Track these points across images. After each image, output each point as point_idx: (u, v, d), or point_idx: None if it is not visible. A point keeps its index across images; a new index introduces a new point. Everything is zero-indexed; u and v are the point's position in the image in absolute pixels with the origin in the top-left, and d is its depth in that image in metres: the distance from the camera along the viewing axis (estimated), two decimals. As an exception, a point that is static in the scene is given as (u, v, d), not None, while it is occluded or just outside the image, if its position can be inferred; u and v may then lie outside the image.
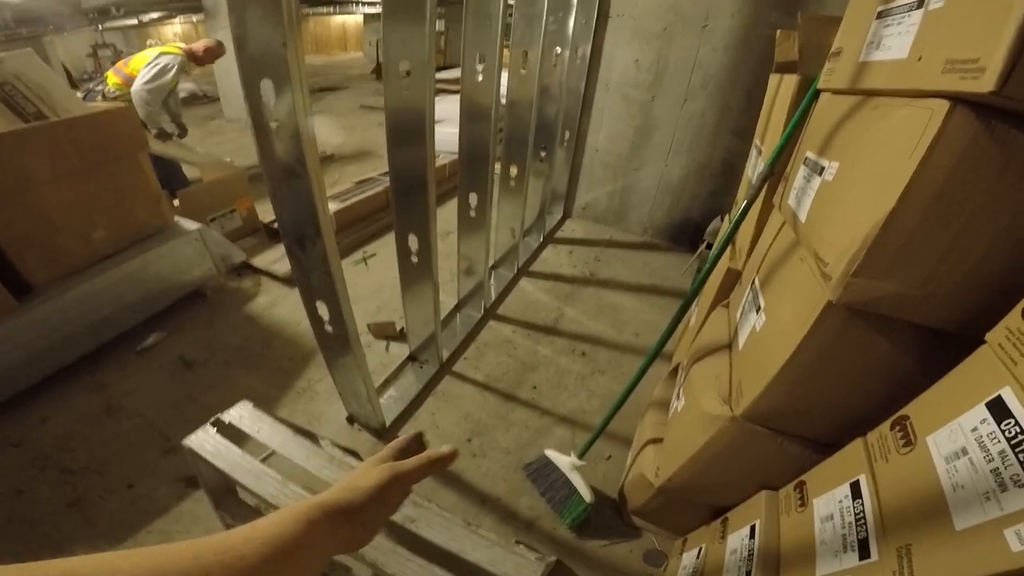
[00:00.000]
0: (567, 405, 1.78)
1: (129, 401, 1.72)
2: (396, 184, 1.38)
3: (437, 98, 1.25)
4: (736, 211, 1.19)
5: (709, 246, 2.23)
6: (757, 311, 0.98)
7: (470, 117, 1.64)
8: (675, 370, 1.53)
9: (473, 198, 1.86)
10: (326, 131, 4.81)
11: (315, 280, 1.11)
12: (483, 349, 2.03)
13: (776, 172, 1.14)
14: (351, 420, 1.63)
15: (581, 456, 1.39)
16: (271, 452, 0.95)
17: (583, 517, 1.33)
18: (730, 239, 1.19)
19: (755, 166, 1.44)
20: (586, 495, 1.33)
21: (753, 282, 1.10)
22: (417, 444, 0.52)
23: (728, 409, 0.95)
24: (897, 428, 0.66)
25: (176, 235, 2.07)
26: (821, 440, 0.86)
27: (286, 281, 2.38)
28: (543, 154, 2.59)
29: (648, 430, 1.39)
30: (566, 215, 3.20)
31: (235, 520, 1.21)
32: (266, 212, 2.76)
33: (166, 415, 1.67)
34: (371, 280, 2.50)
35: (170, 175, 2.84)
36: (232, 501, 1.07)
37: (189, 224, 2.15)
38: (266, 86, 0.82)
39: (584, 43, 2.56)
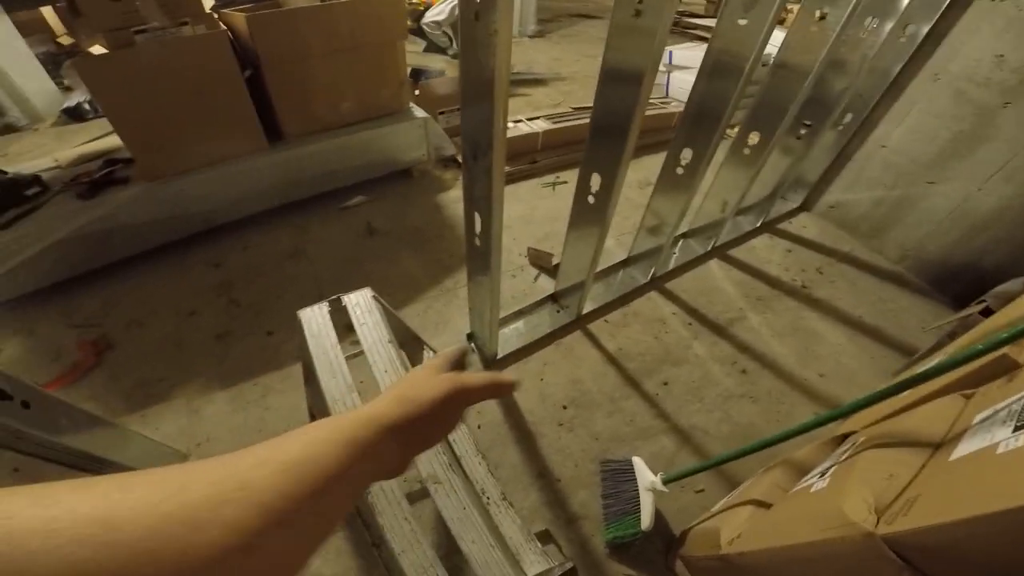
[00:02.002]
0: (691, 418, 1.50)
1: (314, 249, 2.04)
2: (596, 119, 1.24)
3: (688, 44, 1.04)
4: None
5: (987, 311, 1.52)
6: (1017, 430, 0.60)
7: (714, 69, 1.38)
8: (842, 438, 1.12)
9: (686, 154, 1.57)
10: (569, 56, 4.74)
11: (477, 191, 1.09)
12: (630, 319, 1.81)
13: None
14: (470, 338, 1.66)
15: (667, 482, 1.16)
16: (360, 352, 0.97)
17: (627, 541, 1.15)
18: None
19: None
20: (645, 522, 1.13)
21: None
22: (464, 358, 0.44)
23: (872, 522, 0.64)
24: None
25: (406, 119, 2.30)
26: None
27: None
28: (803, 131, 2.06)
29: (761, 489, 1.06)
30: (804, 207, 2.57)
31: (312, 402, 1.34)
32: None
33: (332, 273, 1.94)
34: (552, 206, 2.43)
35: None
36: (314, 384, 1.18)
37: (419, 112, 2.36)
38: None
39: (922, 21, 1.86)
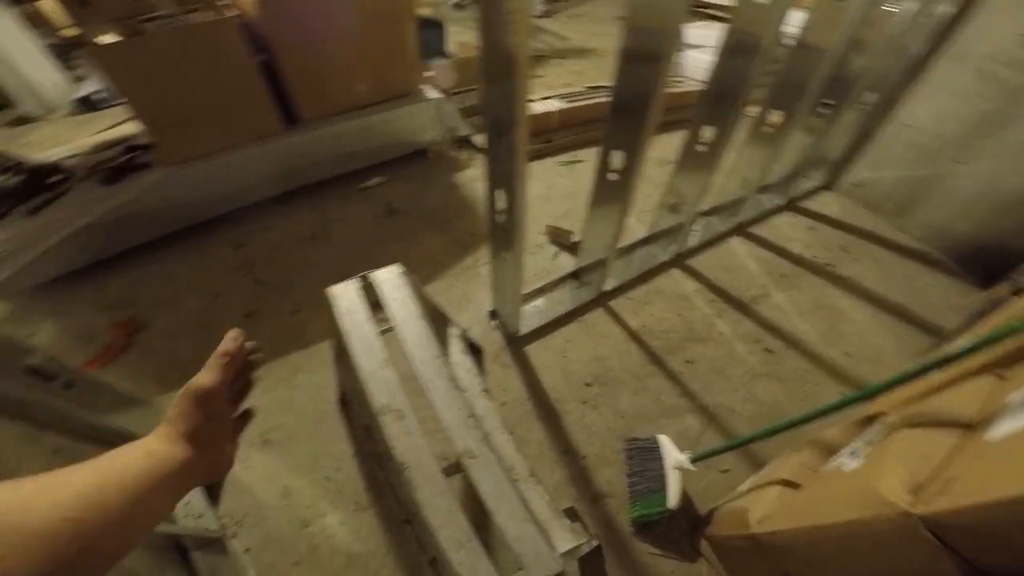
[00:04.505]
0: (716, 397, 1.49)
1: (335, 229, 2.06)
2: (617, 96, 1.22)
3: (701, 24, 1.05)
4: None
5: (1019, 291, 1.48)
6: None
7: (734, 47, 1.36)
8: (870, 419, 1.10)
9: (707, 132, 1.55)
10: (578, 35, 4.66)
11: (500, 169, 1.09)
12: (652, 296, 1.80)
13: None
14: (493, 315, 1.66)
15: (695, 461, 1.16)
16: (390, 328, 0.96)
17: (652, 519, 1.15)
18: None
19: None
20: (672, 500, 1.13)
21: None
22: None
23: (909, 501, 0.64)
24: None
25: (419, 100, 2.28)
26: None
27: None
28: (824, 110, 2.02)
29: (790, 469, 1.05)
30: (827, 186, 2.52)
31: (343, 379, 1.35)
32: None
33: (354, 252, 1.95)
34: (569, 184, 2.41)
35: (432, 42, 3.10)
36: (346, 361, 1.18)
37: (432, 92, 2.33)
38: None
39: (947, 2, 1.82)
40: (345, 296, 1.00)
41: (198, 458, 0.41)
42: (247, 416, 0.55)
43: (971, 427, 0.75)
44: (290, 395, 1.51)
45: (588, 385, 1.50)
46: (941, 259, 2.09)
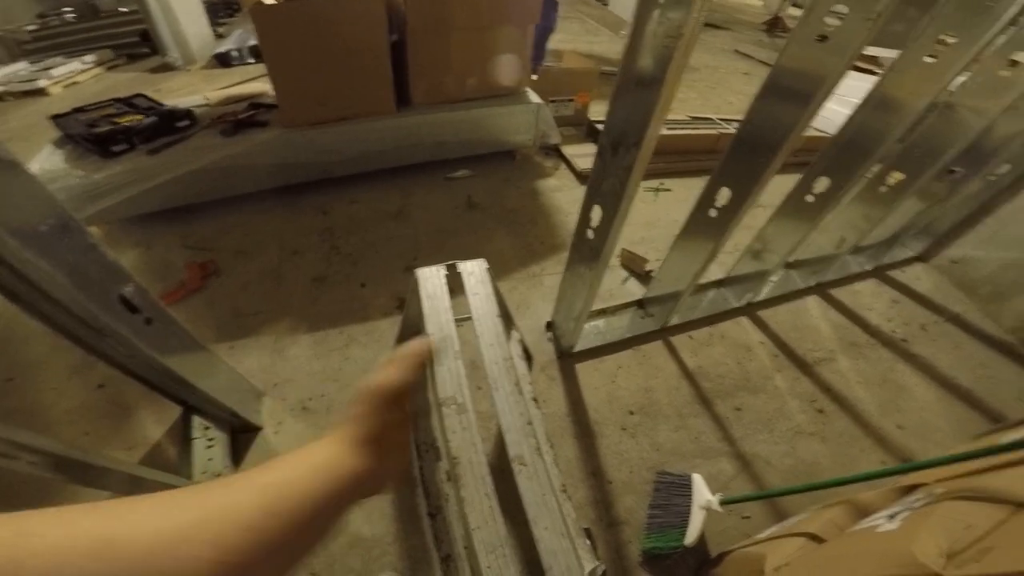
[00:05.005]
0: (755, 447, 1.45)
1: (415, 213, 2.15)
2: (744, 132, 1.20)
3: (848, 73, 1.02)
4: None
5: None
6: None
7: (880, 103, 1.31)
8: (911, 488, 1.04)
9: (821, 184, 1.50)
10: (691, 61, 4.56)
11: (607, 185, 1.09)
12: (715, 340, 1.76)
13: None
14: (549, 326, 1.68)
15: (724, 503, 1.14)
16: (465, 318, 0.99)
17: (664, 553, 1.15)
18: None
19: None
20: (690, 537, 1.12)
21: None
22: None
23: (941, 564, 0.62)
24: None
25: (520, 102, 2.34)
26: None
27: (579, 176, 2.52)
28: (948, 176, 1.88)
29: (818, 523, 1.01)
30: (922, 258, 2.36)
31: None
32: (596, 113, 2.85)
33: (429, 238, 2.03)
34: (651, 211, 2.39)
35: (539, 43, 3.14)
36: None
37: (533, 97, 2.39)
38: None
39: None
40: (431, 280, 1.03)
41: (378, 467, 0.37)
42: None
43: (1021, 507, 0.72)
44: (340, 366, 1.58)
45: (631, 413, 1.50)
46: (1026, 354, 1.91)
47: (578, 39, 4.74)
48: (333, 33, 1.80)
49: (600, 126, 2.64)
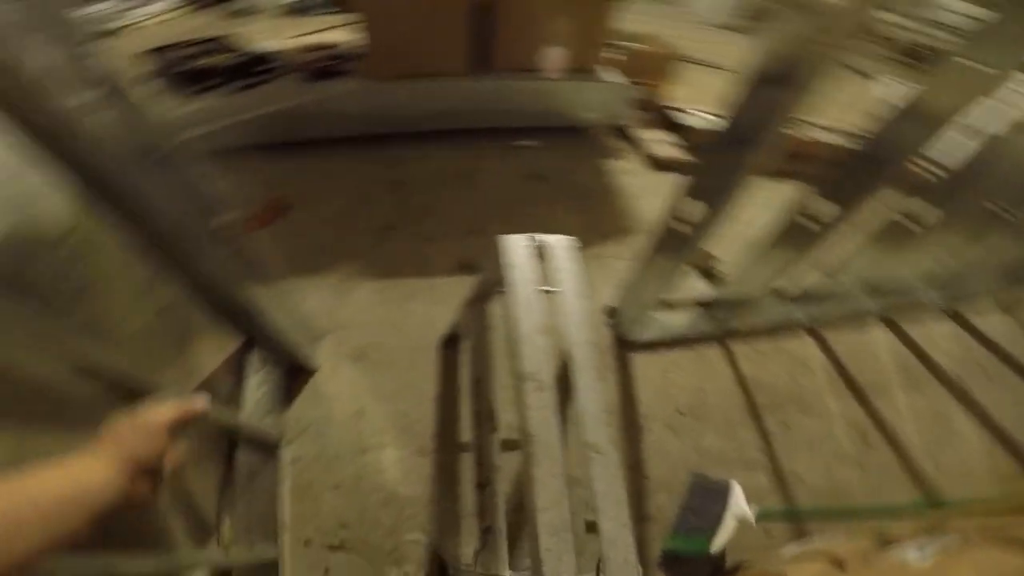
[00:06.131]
0: (794, 465, 1.43)
1: (482, 178, 2.14)
2: (867, 147, 1.13)
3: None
4: None
5: None
6: None
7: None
8: (941, 523, 1.02)
9: (929, 214, 1.42)
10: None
11: (712, 180, 1.05)
12: (775, 352, 1.72)
13: None
14: (611, 313, 1.65)
15: (758, 519, 1.15)
16: (550, 290, 0.97)
17: (685, 555, 1.16)
18: None
19: None
20: (716, 544, 1.12)
21: None
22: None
23: None
24: None
25: (598, 80, 2.27)
26: None
27: (648, 161, 2.45)
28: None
29: (845, 548, 1.00)
30: (997, 300, 2.22)
31: (470, 325, 1.38)
32: (668, 98, 2.75)
33: (494, 204, 2.01)
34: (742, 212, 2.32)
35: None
36: (479, 308, 1.20)
37: (611, 76, 2.31)
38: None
39: None
40: (517, 249, 1.01)
41: (124, 486, 0.41)
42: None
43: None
44: (400, 319, 1.60)
45: (680, 413, 1.48)
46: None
47: (654, 23, 4.51)
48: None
49: (676, 114, 2.56)
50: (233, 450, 1.28)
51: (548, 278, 1.00)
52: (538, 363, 0.87)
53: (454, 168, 2.19)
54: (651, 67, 2.68)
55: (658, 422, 1.45)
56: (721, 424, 1.48)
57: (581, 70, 2.24)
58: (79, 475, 0.39)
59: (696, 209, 1.11)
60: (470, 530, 1.19)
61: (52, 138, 0.64)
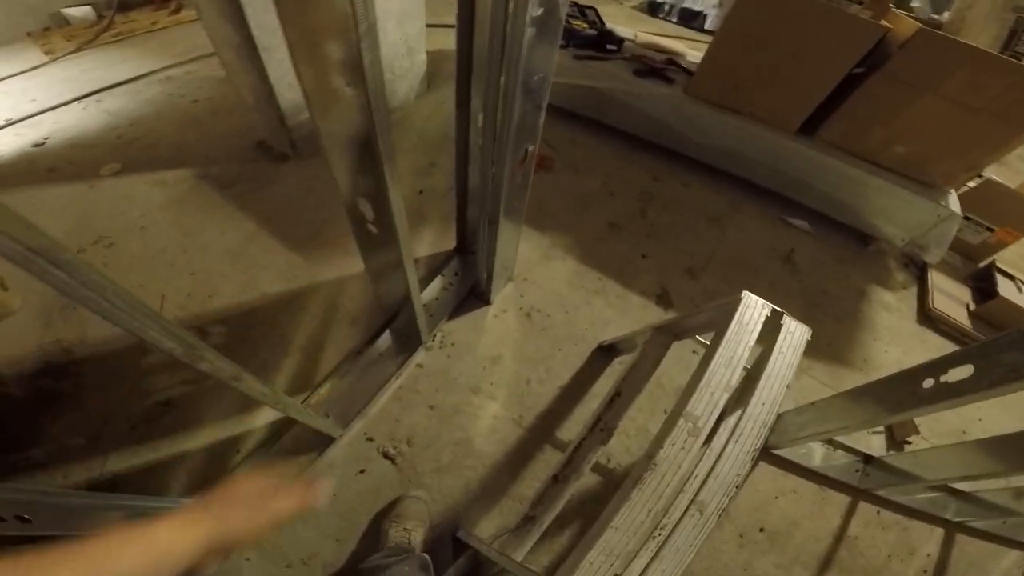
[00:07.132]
0: None
1: (731, 232, 2.11)
2: None
3: None
4: None
5: None
6: None
7: None
8: None
9: None
10: None
11: (991, 368, 0.90)
12: (893, 525, 1.40)
13: None
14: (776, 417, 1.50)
15: None
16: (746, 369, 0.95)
17: None
18: None
19: None
20: None
21: None
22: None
23: None
24: None
25: (928, 197, 1.90)
26: None
27: (925, 312, 2.02)
28: None
29: None
30: None
31: (646, 339, 1.34)
32: (1008, 261, 2.21)
33: (730, 262, 1.98)
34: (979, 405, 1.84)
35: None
36: (661, 338, 1.24)
37: (946, 200, 1.92)
38: None
39: None
40: (752, 312, 1.01)
41: (200, 560, 0.41)
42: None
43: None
44: (579, 305, 1.70)
45: (760, 530, 1.35)
46: None
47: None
48: (801, 36, 1.72)
49: (1004, 280, 2.04)
50: (384, 328, 1.44)
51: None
52: (705, 413, 0.89)
53: (709, 208, 2.18)
54: (1007, 212, 2.16)
55: (733, 527, 1.34)
56: (786, 560, 1.31)
57: (914, 178, 1.93)
58: (165, 549, 0.39)
59: (956, 374, 0.95)
60: (510, 511, 1.26)
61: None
